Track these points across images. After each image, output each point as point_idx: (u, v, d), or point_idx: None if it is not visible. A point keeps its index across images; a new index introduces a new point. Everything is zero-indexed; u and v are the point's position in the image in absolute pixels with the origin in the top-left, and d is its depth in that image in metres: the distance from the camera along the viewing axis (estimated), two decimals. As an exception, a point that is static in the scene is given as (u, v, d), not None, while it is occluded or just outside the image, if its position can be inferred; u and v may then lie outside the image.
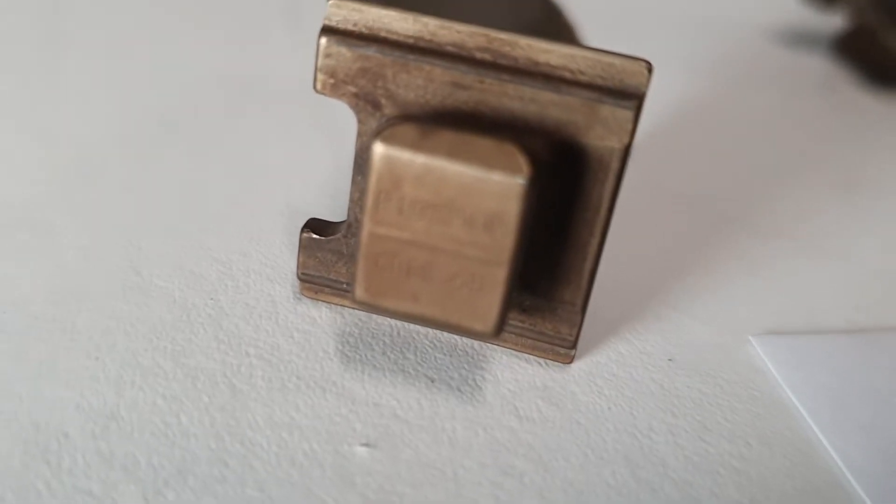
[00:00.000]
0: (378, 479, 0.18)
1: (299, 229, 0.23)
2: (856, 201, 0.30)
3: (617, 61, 0.18)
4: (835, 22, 0.41)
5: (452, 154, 0.17)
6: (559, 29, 0.28)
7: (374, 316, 0.22)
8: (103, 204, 0.24)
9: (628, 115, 0.18)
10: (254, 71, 0.32)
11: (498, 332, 0.19)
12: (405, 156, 0.17)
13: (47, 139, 0.27)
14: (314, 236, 0.21)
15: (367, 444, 0.19)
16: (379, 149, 0.17)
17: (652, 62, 0.18)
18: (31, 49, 0.32)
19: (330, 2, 0.19)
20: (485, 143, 0.17)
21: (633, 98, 0.18)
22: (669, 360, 0.22)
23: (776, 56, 0.40)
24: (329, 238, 0.21)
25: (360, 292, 0.19)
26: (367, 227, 0.18)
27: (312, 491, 0.18)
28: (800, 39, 0.42)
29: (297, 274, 0.22)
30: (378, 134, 0.18)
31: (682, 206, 0.28)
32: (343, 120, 0.27)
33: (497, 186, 0.17)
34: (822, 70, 0.40)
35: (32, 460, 0.17)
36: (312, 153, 0.28)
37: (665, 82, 0.34)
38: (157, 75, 0.31)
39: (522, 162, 0.17)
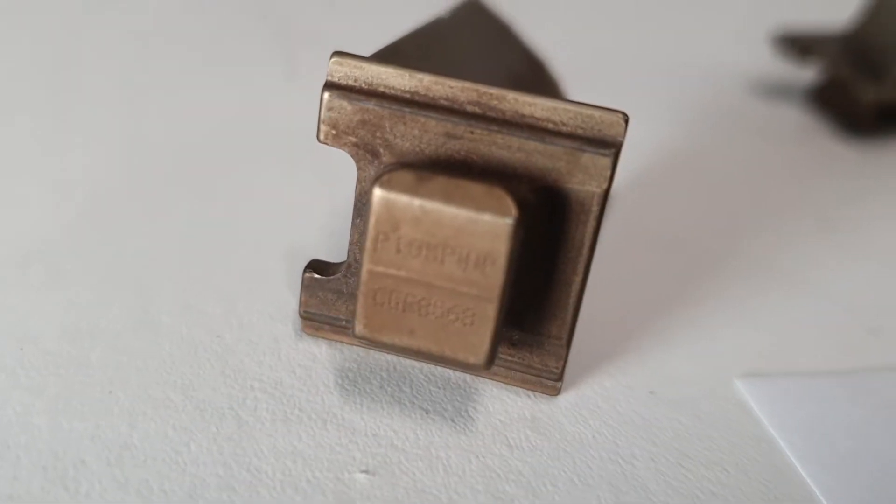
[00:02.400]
0: (378, 503, 0.19)
1: (300, 270, 0.25)
2: (831, 238, 0.31)
3: (596, 113, 0.20)
4: (809, 75, 0.43)
5: (446, 198, 0.19)
6: (543, 81, 0.30)
7: (372, 352, 0.23)
8: (112, 246, 0.26)
9: (607, 162, 0.20)
10: (255, 120, 0.34)
11: (489, 365, 0.20)
12: (403, 199, 0.19)
13: (57, 184, 0.28)
14: (316, 276, 0.22)
15: (366, 472, 0.20)
16: (378, 193, 0.19)
17: (633, 111, 0.20)
18: (42, 100, 0.33)
19: (332, 59, 0.20)
20: (476, 188, 0.19)
21: (611, 147, 0.20)
22: (651, 392, 0.23)
23: (754, 107, 0.42)
24: (330, 278, 0.22)
25: (359, 328, 0.20)
26: (366, 266, 0.19)
27: (315, 514, 0.19)
28: (777, 91, 0.44)
29: (300, 312, 0.23)
30: (377, 179, 0.19)
31: (664, 247, 0.29)
32: (340, 167, 0.29)
33: (487, 227, 0.19)
34: (798, 120, 0.42)
35: (52, 486, 0.19)
36: (311, 198, 0.29)
37: (646, 129, 0.36)
38: (161, 125, 0.33)
39: (510, 204, 0.19)
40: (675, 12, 0.52)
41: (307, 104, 0.32)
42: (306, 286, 0.23)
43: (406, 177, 0.19)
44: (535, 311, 0.22)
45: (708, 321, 0.26)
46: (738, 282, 0.28)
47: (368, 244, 0.19)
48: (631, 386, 0.23)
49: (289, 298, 0.25)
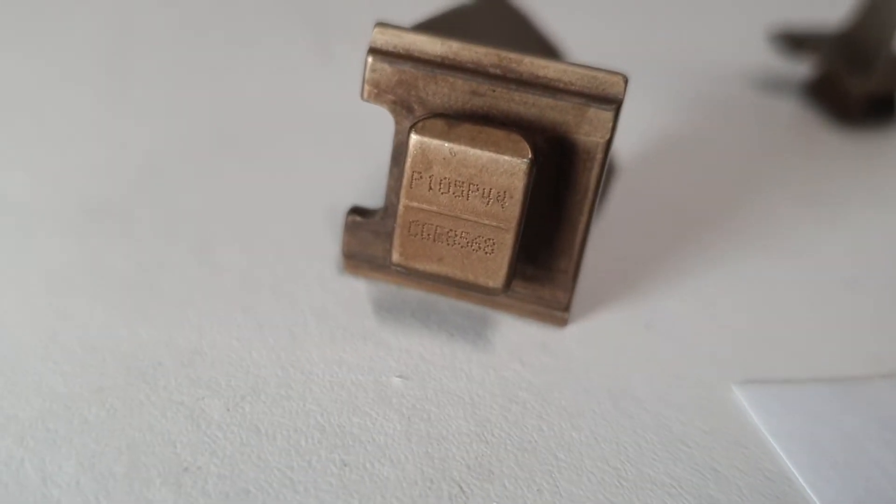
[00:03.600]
0: (411, 400, 0.23)
1: (338, 223, 0.28)
2: (813, 210, 0.35)
3: (600, 74, 0.23)
4: (804, 70, 0.46)
5: (472, 141, 0.22)
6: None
7: (404, 288, 0.26)
8: (172, 200, 0.29)
9: (609, 115, 0.23)
10: (293, 98, 0.37)
11: (506, 289, 0.23)
12: (435, 142, 0.22)
13: (119, 149, 0.32)
14: (357, 219, 0.26)
15: (401, 377, 0.23)
16: (414, 137, 0.22)
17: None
18: (103, 76, 0.37)
19: (375, 28, 0.24)
20: (497, 133, 0.22)
21: (613, 103, 0.23)
22: (647, 326, 0.27)
23: (751, 99, 0.46)
24: (369, 220, 0.26)
25: (396, 256, 0.24)
26: (402, 202, 0.23)
27: (359, 407, 0.22)
28: (773, 85, 0.47)
29: (342, 251, 0.26)
30: (413, 126, 0.22)
31: (663, 213, 0.33)
32: (368, 137, 0.32)
33: (507, 166, 0.22)
34: (792, 111, 0.45)
35: (134, 379, 0.22)
36: (344, 163, 0.33)
37: (649, 118, 0.40)
38: (209, 101, 0.36)
39: (526, 147, 0.22)
40: (678, 10, 0.55)
41: (339, 86, 0.36)
42: (348, 228, 0.26)
43: (438, 123, 0.22)
44: (546, 248, 0.25)
45: (698, 271, 0.29)
46: (727, 242, 0.31)
47: (405, 182, 0.23)
48: (630, 320, 0.27)
49: (330, 245, 0.28)
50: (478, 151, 0.22)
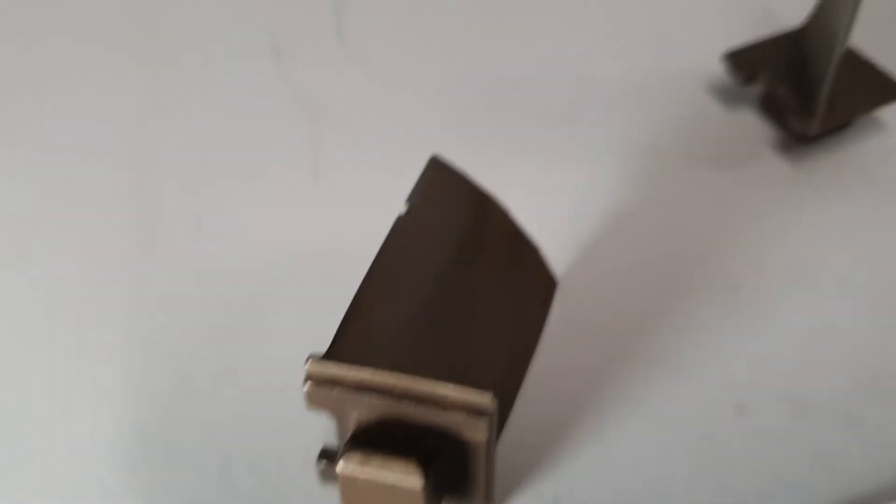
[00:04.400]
0: None
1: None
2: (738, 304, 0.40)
3: (474, 395, 0.30)
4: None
5: (383, 467, 0.31)
6: (493, 227, 0.39)
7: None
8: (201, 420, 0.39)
9: (484, 425, 0.31)
10: (288, 238, 0.45)
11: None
12: (356, 469, 0.31)
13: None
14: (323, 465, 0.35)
15: None
16: (341, 464, 0.31)
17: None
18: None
19: (308, 363, 0.31)
20: (399, 462, 0.31)
21: (485, 416, 0.31)
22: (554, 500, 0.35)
23: (709, 114, 0.49)
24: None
25: (348, 517, 0.33)
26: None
27: None
28: (732, 96, 0.50)
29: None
30: (341, 456, 0.31)
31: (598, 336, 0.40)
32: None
33: (407, 489, 0.31)
34: (749, 129, 0.48)
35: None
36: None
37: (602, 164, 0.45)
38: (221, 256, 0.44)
39: (419, 477, 0.30)
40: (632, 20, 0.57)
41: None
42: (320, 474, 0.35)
43: (356, 455, 0.31)
44: (458, 494, 0.34)
45: (609, 431, 0.37)
46: (643, 380, 0.39)
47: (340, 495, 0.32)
48: (538, 498, 0.36)
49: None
50: (387, 474, 0.31)
